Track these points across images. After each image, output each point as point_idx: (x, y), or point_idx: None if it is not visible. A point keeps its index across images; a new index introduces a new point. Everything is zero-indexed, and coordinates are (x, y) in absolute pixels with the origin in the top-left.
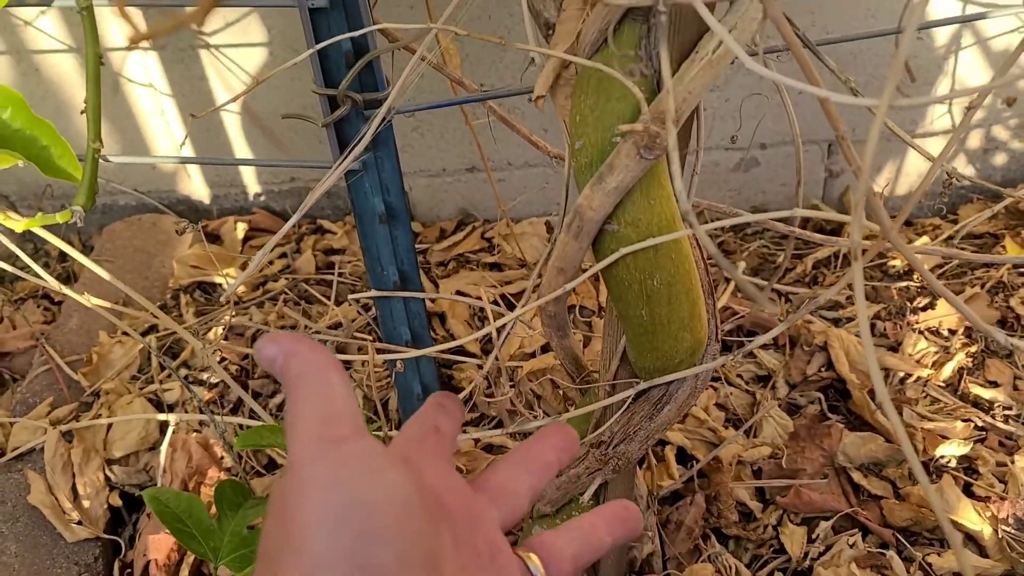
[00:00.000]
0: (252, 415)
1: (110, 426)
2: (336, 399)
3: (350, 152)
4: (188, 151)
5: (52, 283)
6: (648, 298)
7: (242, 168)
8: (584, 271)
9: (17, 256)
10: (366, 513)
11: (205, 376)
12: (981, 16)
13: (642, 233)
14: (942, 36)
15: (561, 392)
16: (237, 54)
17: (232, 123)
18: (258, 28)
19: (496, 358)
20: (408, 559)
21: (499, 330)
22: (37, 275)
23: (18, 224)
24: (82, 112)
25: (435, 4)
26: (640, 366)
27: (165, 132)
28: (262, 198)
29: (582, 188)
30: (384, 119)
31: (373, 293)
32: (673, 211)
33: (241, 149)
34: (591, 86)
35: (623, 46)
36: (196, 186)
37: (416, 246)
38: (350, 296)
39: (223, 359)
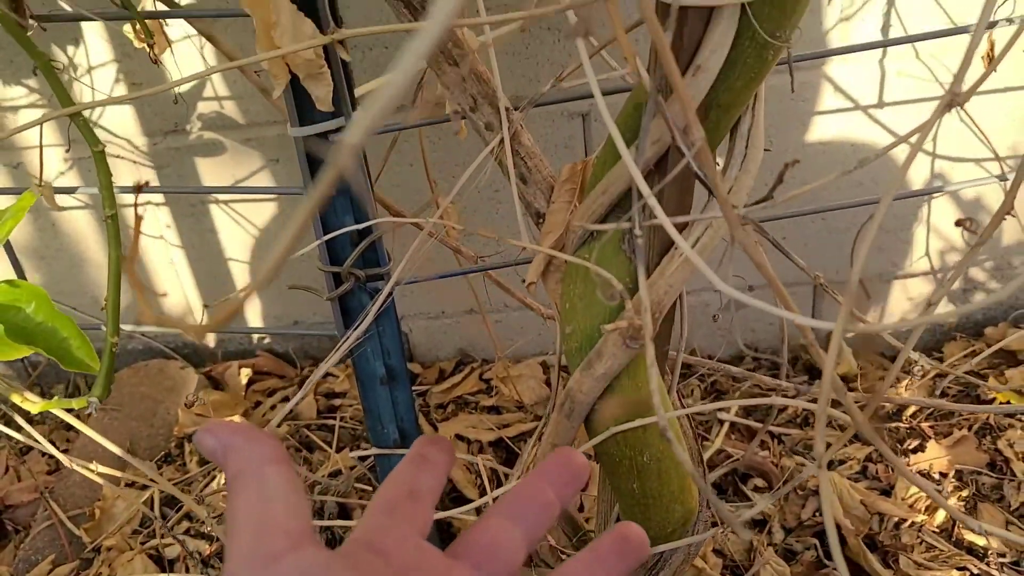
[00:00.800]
0: None
1: None
2: (274, 503)
3: (353, 331)
4: (194, 295)
5: (53, 451)
6: (639, 473)
7: (249, 314)
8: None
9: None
10: None
11: (208, 528)
12: (938, 192)
13: (631, 413)
14: (916, 182)
15: (558, 551)
16: (246, 208)
17: (239, 273)
18: (266, 183)
19: None
20: None
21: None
22: (38, 440)
23: (34, 406)
24: (102, 308)
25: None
26: None
27: (174, 281)
28: (266, 340)
29: (573, 370)
30: (387, 297)
31: (373, 451)
32: (661, 389)
33: (248, 301)
34: (579, 275)
35: (609, 240)
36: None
37: (416, 388)
38: (350, 454)
39: (222, 513)
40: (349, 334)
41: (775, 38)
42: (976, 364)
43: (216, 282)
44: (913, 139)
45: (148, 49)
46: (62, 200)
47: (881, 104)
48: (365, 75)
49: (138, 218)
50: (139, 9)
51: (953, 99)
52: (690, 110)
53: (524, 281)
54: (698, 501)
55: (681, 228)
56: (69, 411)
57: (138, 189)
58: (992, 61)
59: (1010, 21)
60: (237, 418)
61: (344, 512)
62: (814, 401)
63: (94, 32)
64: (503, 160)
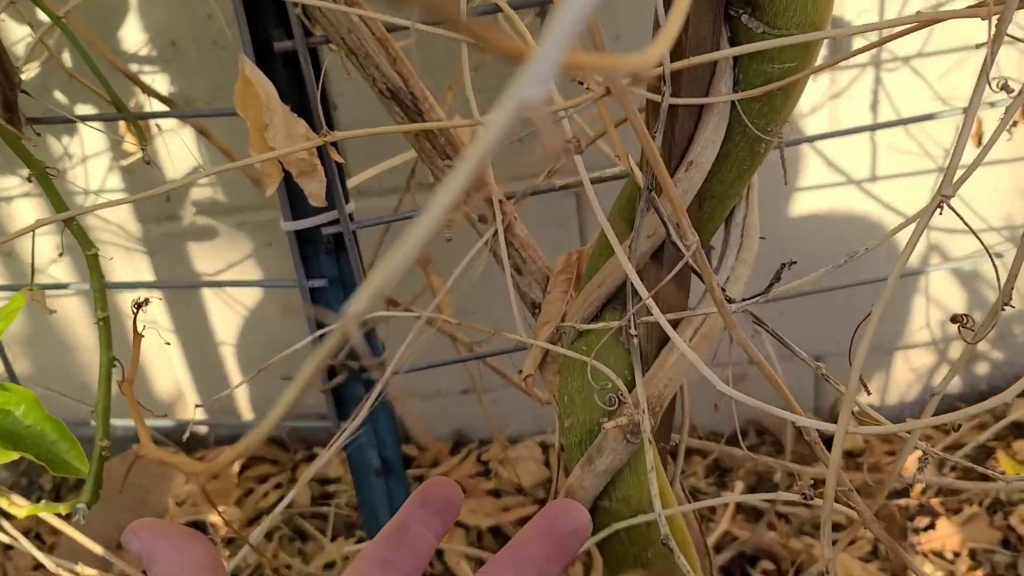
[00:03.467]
0: None
1: None
2: None
3: (347, 426)
4: (185, 379)
5: (36, 553)
6: (644, 568)
7: (240, 398)
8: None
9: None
10: None
11: None
12: (937, 268)
13: (633, 509)
14: (913, 255)
15: None
16: (238, 291)
17: (230, 357)
18: (254, 269)
19: None
20: None
21: None
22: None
23: (21, 511)
24: (92, 413)
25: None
26: None
27: (167, 366)
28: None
29: (572, 465)
30: (382, 391)
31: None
32: (664, 485)
33: (238, 388)
34: (577, 368)
35: (606, 332)
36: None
37: (412, 471)
38: (346, 549)
39: None
40: (343, 430)
41: (767, 133)
42: (985, 438)
43: (207, 365)
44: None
45: (141, 152)
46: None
47: (874, 178)
48: (357, 155)
49: (137, 336)
50: (132, 108)
51: (943, 199)
52: (682, 215)
53: (520, 373)
54: None
55: (678, 323)
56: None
57: (137, 306)
58: (981, 144)
59: (993, 105)
60: (228, 506)
61: None
62: (820, 484)
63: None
64: (497, 251)
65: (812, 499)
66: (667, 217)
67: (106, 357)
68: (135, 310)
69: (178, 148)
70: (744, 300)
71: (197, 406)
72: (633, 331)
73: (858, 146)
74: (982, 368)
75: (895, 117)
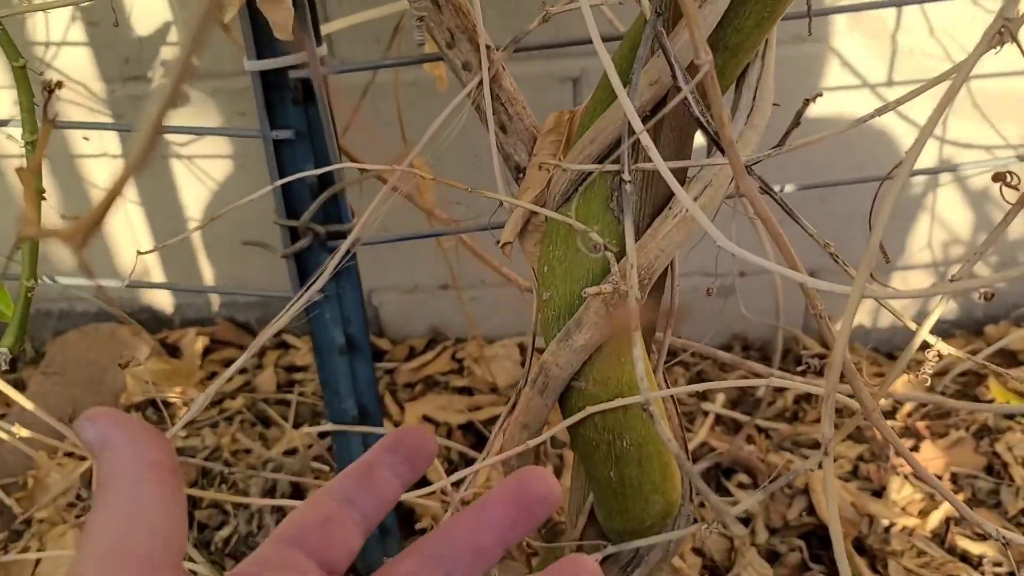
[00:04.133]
0: (193, 551)
1: (39, 560)
2: (138, 525)
3: (307, 290)
4: (151, 255)
5: None
6: (617, 459)
7: (206, 277)
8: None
9: None
10: None
11: None
12: (954, 170)
13: (611, 392)
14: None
15: (525, 543)
16: (207, 164)
17: (199, 234)
18: (225, 141)
19: (460, 503)
20: None
21: (459, 484)
22: None
23: None
24: (17, 247)
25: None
26: (608, 527)
27: (131, 243)
28: (226, 309)
29: (549, 342)
30: (346, 254)
31: (329, 427)
32: (647, 371)
33: (205, 262)
34: (560, 236)
35: (595, 197)
36: (158, 295)
37: (383, 365)
38: (305, 429)
39: None
40: (303, 291)
41: None
42: (977, 363)
43: (173, 247)
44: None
45: None
46: None
47: (891, 82)
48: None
49: (47, 121)
50: None
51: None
52: (695, 25)
53: (499, 243)
54: (680, 493)
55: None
56: (4, 376)
57: (49, 91)
58: None
59: None
60: (191, 389)
61: (298, 492)
62: (820, 374)
63: None
64: (481, 105)
65: (818, 371)
66: (674, 55)
67: (34, 185)
68: (46, 94)
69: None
70: (756, 158)
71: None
72: (627, 175)
73: (877, 46)
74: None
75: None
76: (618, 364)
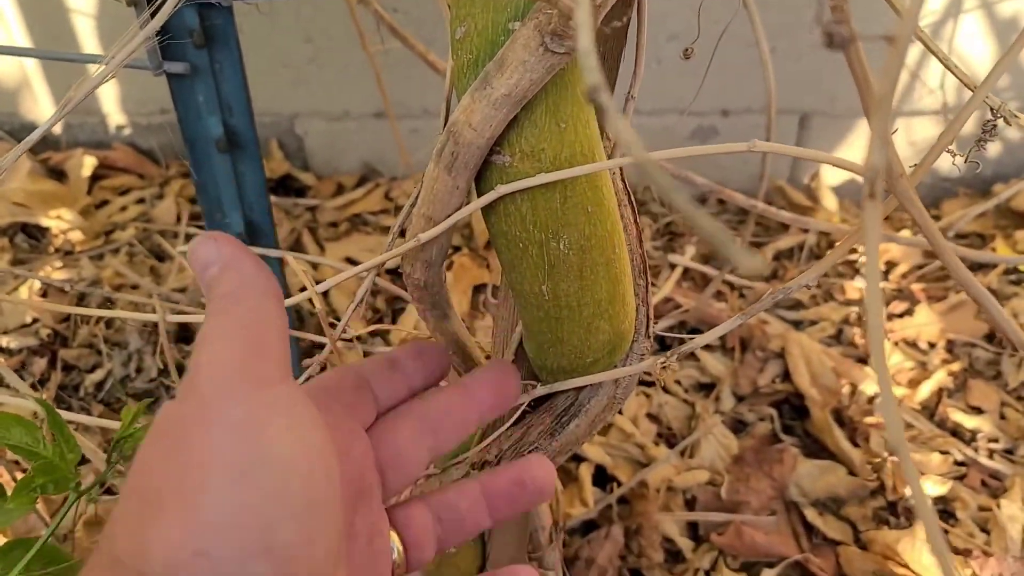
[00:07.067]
0: (60, 394)
1: None
2: (270, 335)
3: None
4: (31, 63)
5: None
6: (551, 268)
7: (103, 95)
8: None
9: None
10: (280, 474)
11: (5, 341)
12: None
13: (544, 168)
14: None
15: None
16: None
17: (89, 36)
18: None
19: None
20: (315, 545)
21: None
22: None
23: None
24: None
25: None
26: (540, 364)
27: (5, 40)
28: (126, 131)
29: (461, 96)
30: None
31: None
32: (593, 142)
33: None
34: None
35: None
36: (44, 109)
37: (305, 201)
38: (177, 248)
39: (35, 320)
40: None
41: None
42: (980, 224)
43: (60, 47)
44: None
45: None
46: None
47: None
48: None
49: None
50: None
51: None
52: None
53: None
54: (633, 324)
55: None
56: None
57: None
58: None
59: None
60: (70, 213)
61: (186, 333)
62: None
63: None
64: None
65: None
66: None
67: None
68: None
69: None
70: None
71: None
72: None
73: None
74: (992, 148)
75: None
76: (556, 130)
